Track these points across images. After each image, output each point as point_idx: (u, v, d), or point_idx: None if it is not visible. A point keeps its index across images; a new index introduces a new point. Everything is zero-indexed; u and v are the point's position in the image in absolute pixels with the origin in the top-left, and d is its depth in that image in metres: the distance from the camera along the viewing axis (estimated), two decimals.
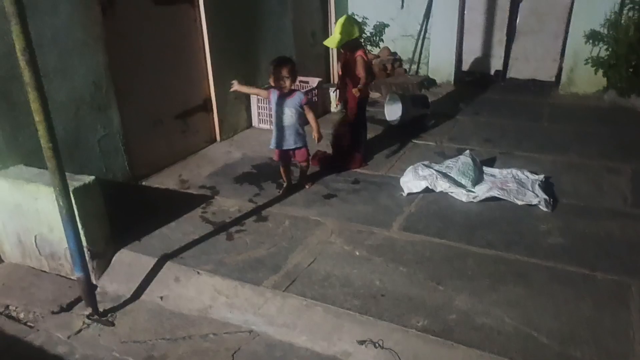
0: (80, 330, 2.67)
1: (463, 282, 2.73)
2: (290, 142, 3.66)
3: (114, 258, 3.10)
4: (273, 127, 3.69)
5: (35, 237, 3.04)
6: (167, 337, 2.61)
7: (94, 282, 2.95)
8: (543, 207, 3.40)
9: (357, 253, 3.04)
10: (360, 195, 3.78)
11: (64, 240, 2.68)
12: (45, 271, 3.14)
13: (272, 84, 3.57)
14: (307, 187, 3.89)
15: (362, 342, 2.44)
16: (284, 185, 3.88)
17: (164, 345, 2.55)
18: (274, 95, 3.61)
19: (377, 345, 2.41)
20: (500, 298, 2.60)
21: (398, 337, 2.42)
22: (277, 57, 3.62)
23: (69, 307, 2.83)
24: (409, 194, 3.70)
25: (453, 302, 2.59)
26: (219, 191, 3.92)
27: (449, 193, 3.63)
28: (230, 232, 3.34)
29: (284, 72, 3.47)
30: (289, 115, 3.59)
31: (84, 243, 2.71)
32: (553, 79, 6.50)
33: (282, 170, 3.83)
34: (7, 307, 2.84)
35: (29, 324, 2.72)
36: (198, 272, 2.93)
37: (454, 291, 2.66)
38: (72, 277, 2.96)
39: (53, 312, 2.78)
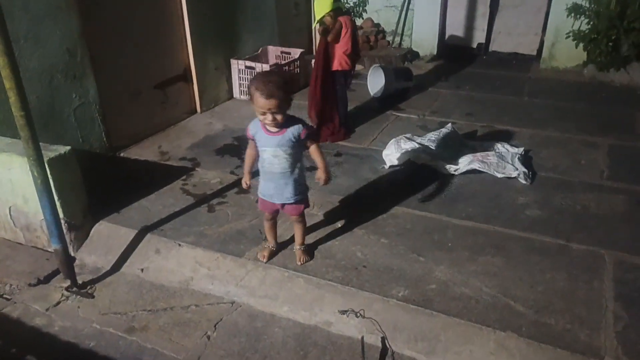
0: (58, 303, 2.63)
1: (443, 253, 2.77)
2: (283, 196, 2.55)
3: (93, 230, 3.05)
4: (260, 173, 2.58)
5: (10, 208, 2.97)
6: (148, 308, 2.60)
7: (72, 254, 2.91)
8: (522, 180, 3.45)
9: (339, 225, 3.05)
10: (342, 167, 3.77)
11: (39, 211, 2.62)
12: (20, 243, 3.07)
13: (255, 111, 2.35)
14: (300, 262, 2.73)
15: (343, 312, 2.47)
16: (267, 246, 2.81)
17: (144, 316, 2.55)
18: (256, 132, 2.45)
19: (358, 314, 2.44)
20: (478, 269, 2.64)
21: (379, 307, 2.45)
22: (261, 76, 2.33)
23: (47, 279, 2.79)
24: (390, 166, 3.71)
25: (433, 273, 2.63)
26: (200, 163, 3.87)
27: (431, 166, 3.64)
28: (211, 204, 3.30)
29: (271, 107, 2.26)
30: (283, 159, 2.43)
31: (61, 215, 2.66)
32: (534, 53, 6.52)
33: (266, 225, 2.77)
34: None
35: (5, 296, 2.68)
36: (179, 244, 2.90)
37: (434, 262, 2.70)
38: (49, 250, 2.90)
39: (30, 285, 2.73)
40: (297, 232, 2.74)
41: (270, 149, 2.43)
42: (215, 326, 2.48)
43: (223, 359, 2.29)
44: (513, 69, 6.30)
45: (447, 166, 3.59)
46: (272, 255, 2.78)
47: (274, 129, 2.38)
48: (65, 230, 2.72)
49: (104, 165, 3.76)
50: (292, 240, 2.82)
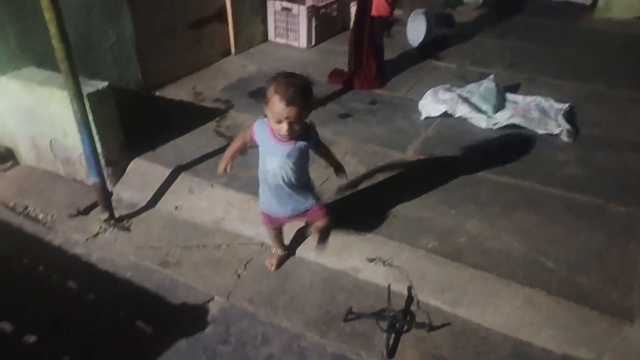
0: (97, 234, 2.74)
1: (475, 207, 2.73)
2: (290, 209, 2.23)
3: (129, 167, 3.12)
4: (260, 183, 2.25)
5: (50, 141, 3.05)
6: (182, 245, 2.68)
7: (109, 189, 2.99)
8: (564, 138, 3.31)
9: (371, 175, 3.02)
10: (376, 116, 3.69)
11: (78, 145, 2.68)
12: (60, 175, 3.18)
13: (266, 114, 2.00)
14: (319, 244, 2.52)
15: (371, 260, 2.49)
16: (275, 253, 2.55)
17: (178, 252, 2.63)
18: (262, 137, 2.09)
19: (386, 263, 2.46)
20: (511, 224, 2.60)
21: (407, 257, 2.46)
22: (282, 78, 1.93)
23: (86, 211, 2.89)
24: (426, 117, 3.61)
25: (464, 226, 2.60)
26: (234, 105, 3.85)
27: (468, 119, 3.53)
28: (244, 147, 3.31)
29: (290, 115, 1.91)
30: (291, 170, 2.10)
31: (99, 149, 2.71)
32: (589, 2, 6.10)
33: (271, 236, 2.49)
34: (25, 207, 2.92)
35: (47, 225, 2.81)
36: (212, 185, 2.95)
37: (465, 215, 2.67)
38: (87, 183, 3.00)
39: (70, 216, 2.85)
40: (321, 234, 2.43)
41: (278, 159, 2.06)
42: (245, 265, 2.55)
43: (252, 297, 2.36)
44: (564, 19, 5.92)
45: (486, 120, 3.47)
46: (281, 262, 2.55)
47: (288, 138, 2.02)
48: (103, 165, 2.78)
49: (139, 103, 3.78)
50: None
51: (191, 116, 3.67)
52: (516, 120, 3.41)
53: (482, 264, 2.36)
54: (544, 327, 2.12)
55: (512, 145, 3.31)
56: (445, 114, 3.58)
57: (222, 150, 3.23)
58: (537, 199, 2.79)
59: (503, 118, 3.45)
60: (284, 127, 1.94)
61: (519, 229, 2.56)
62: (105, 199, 2.78)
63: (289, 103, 1.87)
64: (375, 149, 3.28)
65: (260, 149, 2.12)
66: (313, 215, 2.28)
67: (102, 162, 2.81)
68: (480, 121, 3.47)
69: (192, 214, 2.89)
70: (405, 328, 2.19)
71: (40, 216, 2.86)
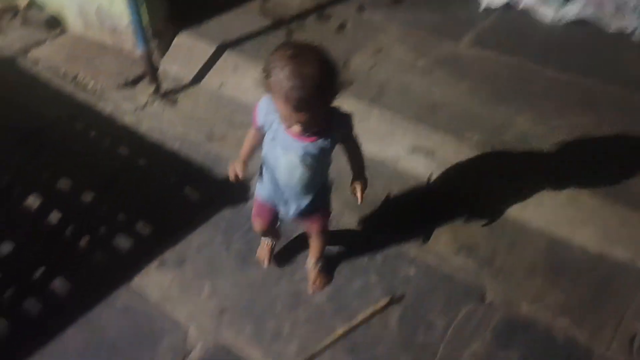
0: (145, 105, 2.80)
1: (528, 103, 2.60)
2: (296, 207, 1.69)
3: (174, 41, 3.08)
4: (264, 172, 1.69)
5: (97, 8, 3.00)
6: (226, 121, 2.71)
7: (156, 61, 2.98)
8: (636, 38, 3.02)
9: (420, 63, 2.89)
10: (431, 2, 3.44)
11: (124, 14, 2.64)
12: (107, 45, 3.17)
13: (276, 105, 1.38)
14: (313, 286, 1.94)
15: (413, 149, 2.47)
16: (268, 245, 2.01)
17: (223, 128, 2.67)
18: (271, 123, 1.52)
19: (428, 153, 2.44)
20: (563, 124, 2.48)
21: (450, 149, 2.43)
22: (288, 64, 1.27)
23: (134, 82, 2.93)
24: (486, 8, 3.34)
25: (513, 123, 2.50)
26: None
27: (533, 11, 3.24)
28: (290, 28, 3.19)
29: (303, 119, 1.35)
30: (307, 170, 1.55)
31: (145, 19, 2.65)
32: None
33: (262, 228, 1.87)
34: (75, 75, 2.97)
35: (97, 93, 2.87)
36: (256, 64, 2.89)
37: (516, 112, 2.56)
38: (134, 55, 2.99)
39: (119, 85, 2.89)
40: (315, 245, 1.89)
41: (290, 155, 1.51)
42: None
43: None
44: None
45: (553, 12, 3.17)
46: (273, 251, 2.03)
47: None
48: (149, 36, 2.75)
49: None
50: None
51: None
52: (587, 12, 3.11)
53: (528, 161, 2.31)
54: (583, 225, 2.11)
55: (577, 41, 3.05)
56: (508, 6, 3.29)
57: (268, 30, 3.15)
58: (597, 100, 2.63)
59: (572, 11, 3.15)
60: (295, 127, 1.39)
61: (572, 129, 2.45)
62: (152, 71, 2.79)
63: (296, 109, 1.30)
64: (427, 37, 3.10)
65: (267, 136, 1.55)
66: (316, 222, 1.80)
67: (149, 32, 2.77)
68: (546, 13, 3.18)
69: (236, 92, 2.88)
70: (441, 217, 2.23)
71: (90, 84, 2.92)
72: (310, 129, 1.41)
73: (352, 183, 1.72)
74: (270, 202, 1.73)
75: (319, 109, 1.36)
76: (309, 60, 1.28)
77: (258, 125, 1.56)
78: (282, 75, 1.26)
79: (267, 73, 1.32)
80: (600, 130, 2.45)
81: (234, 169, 1.65)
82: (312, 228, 1.83)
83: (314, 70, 1.27)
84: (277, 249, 2.05)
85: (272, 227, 1.89)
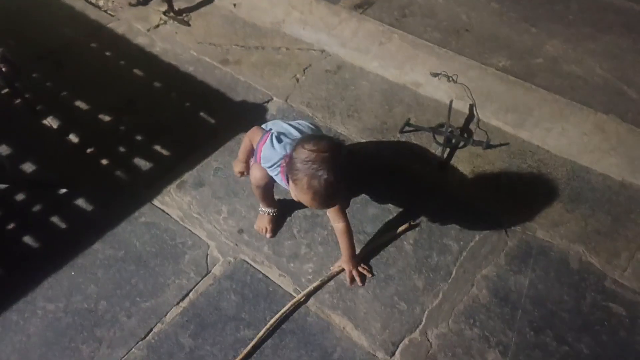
0: (158, 25, 2.72)
1: (560, 26, 2.46)
2: None
3: None
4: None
5: None
6: (241, 44, 2.63)
7: None
8: None
9: None
10: None
11: None
12: None
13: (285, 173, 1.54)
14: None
15: (435, 75, 2.38)
16: (268, 213, 1.87)
17: (238, 51, 2.59)
18: (271, 171, 1.65)
19: (450, 78, 2.35)
20: (597, 48, 2.36)
21: (474, 74, 2.33)
22: (310, 170, 1.40)
23: (145, 1, 2.82)
24: None
25: (543, 46, 2.39)
26: None
27: None
28: None
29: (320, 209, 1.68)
30: None
31: None
32: None
33: (262, 193, 1.81)
34: None
35: (109, 12, 2.79)
36: None
37: (547, 35, 2.43)
38: None
39: (130, 4, 2.80)
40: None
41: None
42: (304, 70, 2.50)
43: (310, 101, 2.36)
44: None
45: None
46: (276, 224, 1.90)
47: None
48: None
49: None
50: None
51: None
52: None
53: (556, 87, 2.22)
54: (608, 154, 2.06)
55: None
56: None
57: None
58: (635, 23, 2.47)
59: None
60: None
61: (606, 54, 2.33)
62: None
63: (319, 206, 1.51)
64: None
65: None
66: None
67: None
68: None
69: (251, 13, 2.77)
70: (461, 144, 2.18)
71: (101, 2, 2.82)
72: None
73: (341, 264, 1.75)
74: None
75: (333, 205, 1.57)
76: (328, 165, 1.39)
77: (259, 160, 1.65)
78: (306, 178, 1.39)
79: (293, 167, 1.43)
80: (637, 54, 2.32)
81: (237, 168, 1.85)
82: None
83: (334, 175, 1.39)
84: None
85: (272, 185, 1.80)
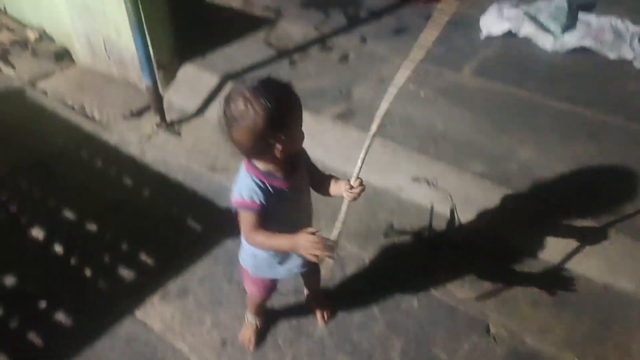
0: (150, 136, 2.84)
1: (531, 134, 2.62)
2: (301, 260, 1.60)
3: (179, 72, 3.14)
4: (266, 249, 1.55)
5: (104, 41, 3.08)
6: (229, 152, 2.73)
7: (161, 93, 3.04)
8: (638, 65, 3.05)
9: (423, 94, 2.92)
10: None
11: (131, 46, 2.69)
12: (114, 77, 3.24)
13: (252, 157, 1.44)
14: (325, 318, 1.92)
15: (416, 179, 2.48)
16: (254, 324, 1.85)
17: (226, 158, 2.69)
18: (265, 195, 1.40)
19: (430, 183, 2.44)
20: (567, 154, 2.49)
21: (453, 179, 2.43)
22: (260, 90, 1.29)
23: (139, 113, 2.98)
24: (487, 37, 3.39)
25: (516, 153, 2.51)
26: (284, 15, 3.73)
27: (533, 39, 3.29)
28: (293, 59, 3.25)
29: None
30: (308, 199, 1.62)
31: (151, 50, 2.72)
32: None
33: (257, 305, 1.81)
34: (82, 106, 3.03)
35: (103, 124, 2.92)
36: None
37: (519, 142, 2.57)
38: (139, 86, 3.05)
39: (124, 116, 2.94)
40: (315, 280, 1.84)
41: (294, 197, 1.50)
42: None
43: None
44: None
45: (553, 41, 3.22)
46: (260, 335, 1.87)
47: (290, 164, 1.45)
48: (155, 68, 2.81)
49: (189, 7, 3.72)
50: None
51: (240, 24, 3.59)
52: (586, 43, 3.15)
53: (532, 191, 2.31)
54: (586, 256, 2.09)
55: (579, 70, 3.08)
56: (509, 33, 3.34)
57: (272, 60, 3.20)
58: (600, 130, 2.63)
59: (572, 40, 3.19)
60: (299, 144, 1.44)
61: (575, 160, 2.46)
62: (157, 102, 2.83)
63: (300, 108, 1.36)
64: (429, 67, 3.14)
65: (269, 204, 1.41)
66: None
67: (154, 64, 2.83)
68: (546, 42, 3.23)
69: None
70: (443, 248, 2.22)
71: (97, 115, 2.97)
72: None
73: (336, 183, 1.59)
74: (278, 275, 1.63)
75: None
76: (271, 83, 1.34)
77: (258, 205, 1.39)
78: (276, 104, 1.26)
79: (248, 115, 1.28)
80: (603, 161, 2.45)
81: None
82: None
83: (279, 84, 1.35)
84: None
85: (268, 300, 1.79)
